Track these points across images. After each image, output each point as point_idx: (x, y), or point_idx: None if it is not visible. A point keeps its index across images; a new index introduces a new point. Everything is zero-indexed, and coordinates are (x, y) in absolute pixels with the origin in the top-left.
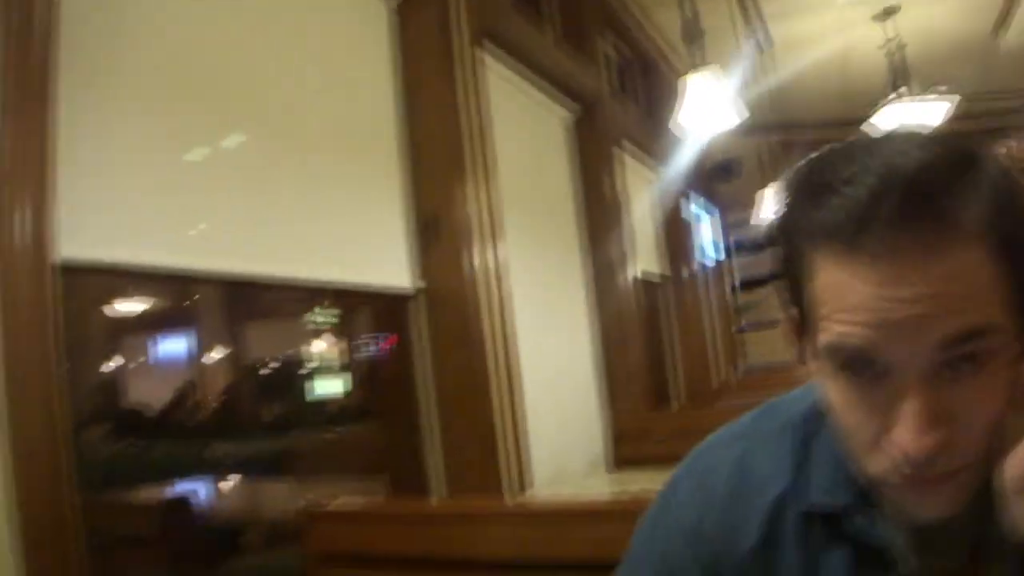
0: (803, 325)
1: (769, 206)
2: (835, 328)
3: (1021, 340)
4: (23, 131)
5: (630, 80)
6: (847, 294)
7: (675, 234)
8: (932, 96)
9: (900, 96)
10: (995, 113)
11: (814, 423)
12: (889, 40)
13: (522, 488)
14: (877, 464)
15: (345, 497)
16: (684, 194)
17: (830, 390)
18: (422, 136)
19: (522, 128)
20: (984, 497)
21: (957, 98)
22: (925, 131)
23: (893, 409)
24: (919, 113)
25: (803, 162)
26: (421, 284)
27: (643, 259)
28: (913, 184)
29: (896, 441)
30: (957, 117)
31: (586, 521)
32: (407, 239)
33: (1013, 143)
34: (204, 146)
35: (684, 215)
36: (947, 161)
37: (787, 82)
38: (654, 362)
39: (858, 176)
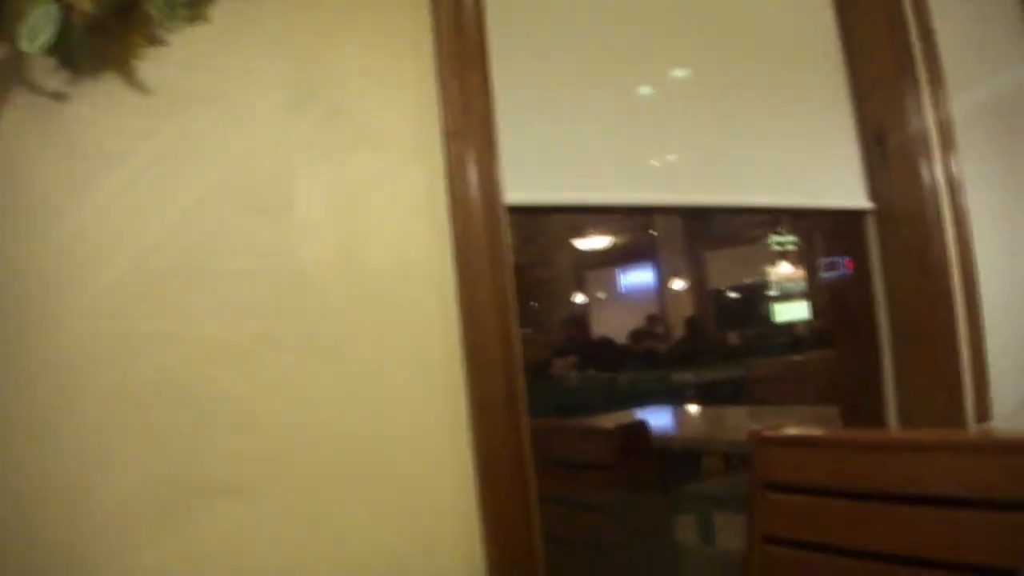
0: None
1: None
2: None
3: None
4: (465, 93)
5: None
6: None
7: None
8: None
9: None
10: None
11: None
12: None
13: (982, 420)
14: None
15: (798, 424)
16: None
17: None
18: (864, 44)
19: (967, 19)
20: None
21: None
22: None
23: None
24: None
25: None
26: (873, 203)
27: None
28: None
29: None
30: None
31: None
32: (859, 156)
33: None
34: (649, 80)
35: None
36: None
37: None
38: None
39: None
